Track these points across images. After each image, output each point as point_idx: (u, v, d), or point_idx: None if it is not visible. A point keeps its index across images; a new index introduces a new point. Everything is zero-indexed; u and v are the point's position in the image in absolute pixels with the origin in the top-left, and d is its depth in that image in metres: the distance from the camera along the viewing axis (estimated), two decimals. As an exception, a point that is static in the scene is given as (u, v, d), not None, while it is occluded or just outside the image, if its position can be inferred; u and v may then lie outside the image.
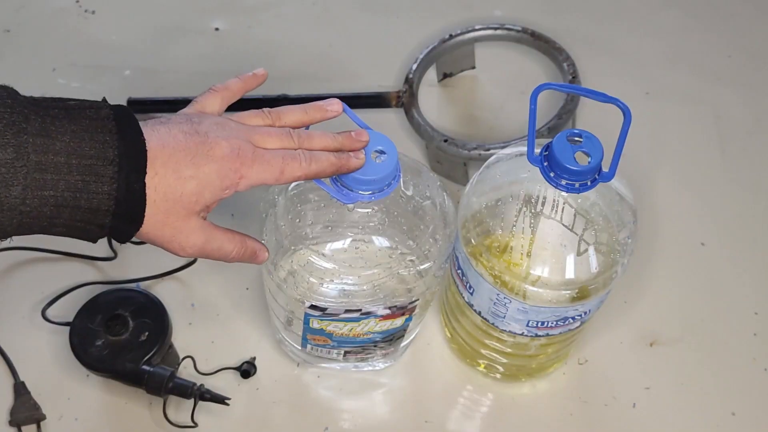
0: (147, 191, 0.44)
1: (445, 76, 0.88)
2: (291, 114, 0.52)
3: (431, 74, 0.88)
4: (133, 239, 0.74)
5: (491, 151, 0.75)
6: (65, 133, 0.43)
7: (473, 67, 0.89)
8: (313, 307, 0.57)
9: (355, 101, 0.82)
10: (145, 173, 0.44)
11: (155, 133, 0.45)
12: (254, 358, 0.69)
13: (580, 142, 0.52)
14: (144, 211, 0.45)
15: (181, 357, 0.68)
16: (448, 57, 0.87)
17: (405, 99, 0.82)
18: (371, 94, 0.83)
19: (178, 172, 0.45)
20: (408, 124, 0.81)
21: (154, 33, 0.91)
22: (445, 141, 0.77)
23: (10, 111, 0.42)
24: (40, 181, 0.42)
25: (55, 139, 0.42)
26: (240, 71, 0.80)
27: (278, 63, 0.87)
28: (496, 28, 0.85)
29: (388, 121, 0.84)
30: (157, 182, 0.45)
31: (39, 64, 0.89)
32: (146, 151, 0.44)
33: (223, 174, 0.46)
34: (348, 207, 0.53)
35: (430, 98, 0.87)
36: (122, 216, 0.45)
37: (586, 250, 0.55)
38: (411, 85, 0.82)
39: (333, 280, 0.55)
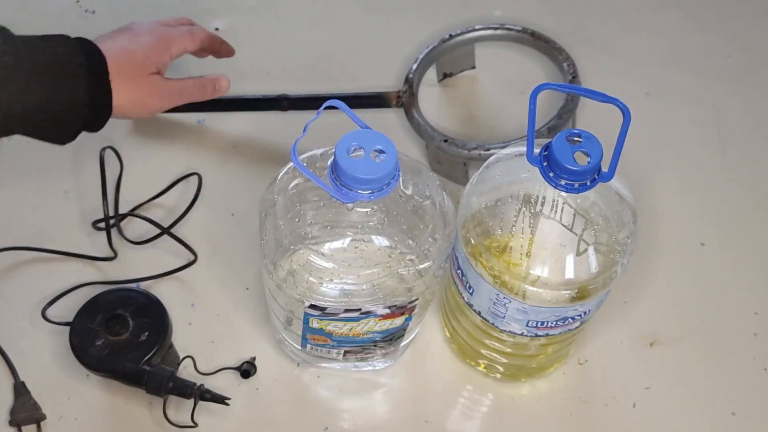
0: (114, 83, 0.61)
1: (445, 76, 0.88)
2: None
3: (431, 74, 0.88)
4: (134, 239, 0.74)
5: (491, 151, 0.75)
6: (46, 50, 0.57)
7: (473, 67, 0.89)
8: (312, 306, 0.57)
9: (355, 101, 0.82)
10: (108, 73, 0.60)
11: (102, 44, 0.62)
12: (254, 358, 0.69)
13: (580, 142, 0.52)
14: (111, 102, 0.61)
15: (181, 357, 0.68)
16: (448, 57, 0.87)
17: (405, 99, 0.82)
18: (371, 94, 0.83)
19: (126, 50, 0.64)
20: (408, 124, 0.81)
21: (154, 33, 0.92)
22: (445, 141, 0.77)
23: (4, 36, 0.56)
24: (35, 81, 0.56)
25: (38, 52, 0.57)
26: (240, 71, 0.81)
27: (278, 63, 0.87)
28: (496, 28, 0.85)
29: (388, 121, 0.84)
30: (120, 67, 0.62)
31: (39, 64, 0.89)
32: (103, 55, 0.61)
33: (157, 39, 0.67)
34: (347, 206, 0.53)
35: (430, 98, 0.87)
36: (96, 105, 0.60)
37: (585, 250, 0.55)
38: (411, 85, 0.82)
39: (332, 280, 0.55)
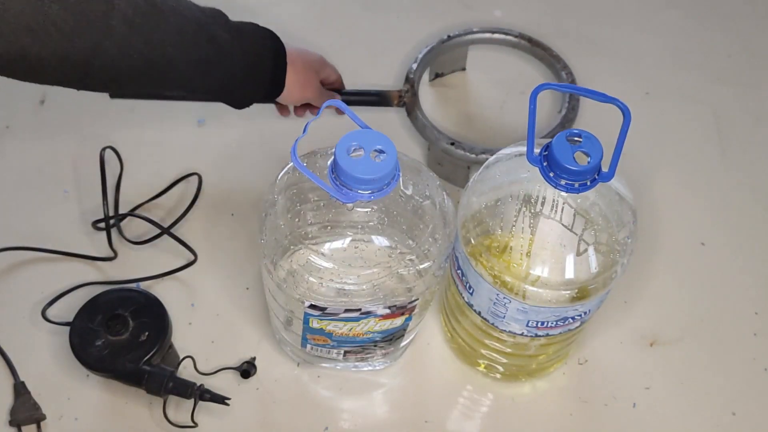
0: (288, 66, 0.70)
1: (437, 76, 0.88)
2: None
3: (431, 74, 0.88)
4: (133, 239, 0.74)
5: (497, 155, 0.75)
6: (247, 32, 0.68)
7: (464, 69, 0.89)
8: (312, 306, 0.57)
9: (356, 99, 0.82)
10: (286, 56, 0.70)
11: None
12: (254, 358, 0.69)
13: (580, 142, 0.52)
14: (285, 81, 0.70)
15: (181, 357, 0.68)
16: (446, 58, 0.87)
17: (407, 99, 0.82)
18: (372, 92, 0.83)
19: (298, 49, 0.73)
20: (408, 124, 0.81)
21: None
22: (452, 144, 0.77)
23: (224, 18, 0.66)
24: (241, 56, 0.66)
25: (243, 32, 0.67)
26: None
27: (278, 63, 0.87)
28: (493, 32, 0.86)
29: (388, 120, 0.84)
30: (295, 58, 0.71)
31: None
32: (282, 43, 0.70)
33: (320, 57, 0.77)
34: (347, 206, 0.53)
35: (431, 99, 0.87)
36: (275, 81, 0.70)
37: (585, 250, 0.55)
38: (412, 84, 0.82)
39: (332, 280, 0.55)
